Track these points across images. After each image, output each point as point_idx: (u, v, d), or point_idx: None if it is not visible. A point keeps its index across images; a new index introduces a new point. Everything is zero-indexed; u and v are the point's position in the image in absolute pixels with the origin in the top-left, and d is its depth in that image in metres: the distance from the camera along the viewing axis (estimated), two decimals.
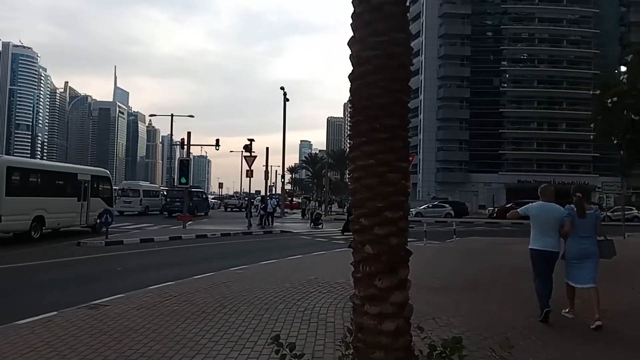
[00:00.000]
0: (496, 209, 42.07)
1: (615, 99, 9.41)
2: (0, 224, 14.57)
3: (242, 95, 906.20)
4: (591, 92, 70.78)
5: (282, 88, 37.09)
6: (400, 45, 3.74)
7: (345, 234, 20.75)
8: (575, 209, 5.97)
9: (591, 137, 70.30)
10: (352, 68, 3.93)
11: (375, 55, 3.65)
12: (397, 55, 3.72)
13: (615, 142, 9.82)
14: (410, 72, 3.92)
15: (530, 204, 6.59)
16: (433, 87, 71.03)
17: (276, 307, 6.77)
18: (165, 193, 38.85)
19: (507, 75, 72.81)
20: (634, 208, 43.87)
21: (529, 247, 6.28)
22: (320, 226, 25.22)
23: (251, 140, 22.70)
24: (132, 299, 7.32)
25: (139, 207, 34.27)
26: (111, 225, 16.38)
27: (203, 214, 36.85)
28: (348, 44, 3.79)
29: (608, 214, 41.76)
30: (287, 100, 37.97)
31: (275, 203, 28.80)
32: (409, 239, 16.84)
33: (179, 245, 16.28)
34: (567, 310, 6.30)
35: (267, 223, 24.56)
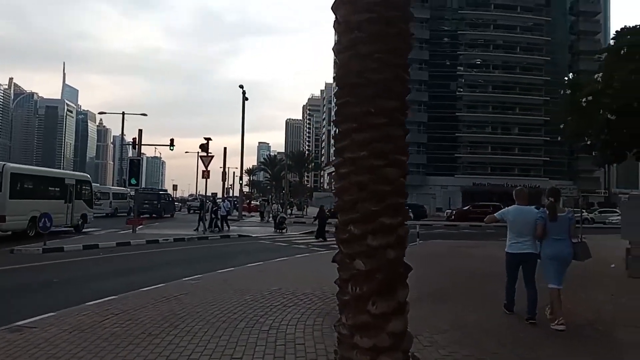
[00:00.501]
0: (454, 212, 42.41)
1: (590, 98, 9.10)
2: (4, 224, 16.53)
3: (198, 95, 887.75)
4: (542, 97, 73.91)
5: (241, 86, 35.91)
6: (398, 8, 2.95)
7: (319, 239, 20.10)
8: (547, 213, 6.03)
9: (542, 141, 73.46)
10: (337, 37, 3.12)
11: (368, 20, 2.86)
12: (395, 21, 2.93)
13: (588, 142, 9.53)
14: (410, 44, 3.14)
15: (506, 208, 6.77)
16: None
17: (236, 326, 5.88)
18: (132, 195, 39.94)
19: (463, 80, 74.34)
20: (584, 210, 45.34)
21: (506, 250, 6.41)
22: (284, 230, 24.17)
23: (208, 139, 21.48)
24: (65, 318, 6.23)
25: (109, 209, 35.79)
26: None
27: (169, 215, 39.22)
28: (332, 8, 2.97)
29: None
30: (247, 99, 36.80)
31: (229, 205, 27.18)
32: None
33: (126, 252, 14.96)
34: (555, 322, 5.91)
35: (219, 227, 22.91)
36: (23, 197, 17.65)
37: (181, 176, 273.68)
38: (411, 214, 39.24)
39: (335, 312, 6.65)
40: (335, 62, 3.07)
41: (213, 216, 22.77)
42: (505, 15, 74.12)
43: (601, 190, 79.81)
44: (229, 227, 24.25)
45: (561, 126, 11.84)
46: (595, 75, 9.64)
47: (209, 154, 21.41)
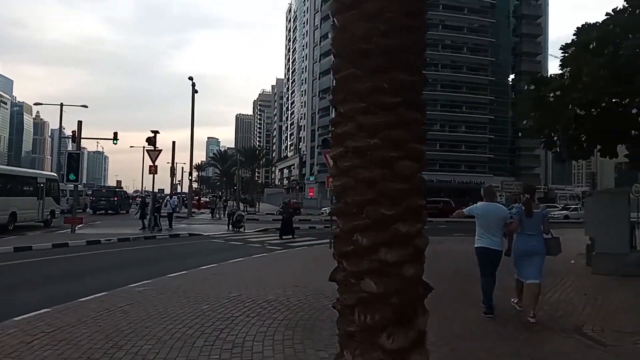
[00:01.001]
0: None
1: (558, 93, 8.93)
2: None
3: (144, 89, 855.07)
4: (487, 96, 76.40)
5: (190, 78, 34.33)
6: None
7: (284, 237, 19.07)
8: (523, 208, 6.20)
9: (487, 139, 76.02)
10: None
11: None
12: None
13: (555, 138, 9.38)
14: (426, 5, 2.50)
15: (475, 204, 6.85)
16: None
17: (193, 344, 5.09)
18: (91, 192, 44.36)
19: None
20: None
21: (475, 246, 6.48)
22: (242, 229, 22.69)
23: (155, 132, 20.09)
24: None
25: (66, 206, 34.85)
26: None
27: (125, 211, 40.13)
28: None
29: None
30: (196, 91, 35.31)
31: (177, 202, 25.48)
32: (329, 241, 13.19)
33: (64, 255, 13.59)
34: (515, 300, 6.74)
35: (159, 226, 21.19)
36: (4, 194, 19.54)
37: (125, 172, 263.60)
38: None
39: (307, 324, 6.09)
40: (333, 25, 2.39)
41: (156, 214, 21.28)
42: (452, 16, 75.89)
43: (541, 186, 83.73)
44: (171, 225, 22.84)
45: (524, 122, 11.68)
46: (563, 70, 9.51)
47: (157, 149, 20.09)
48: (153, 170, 20.04)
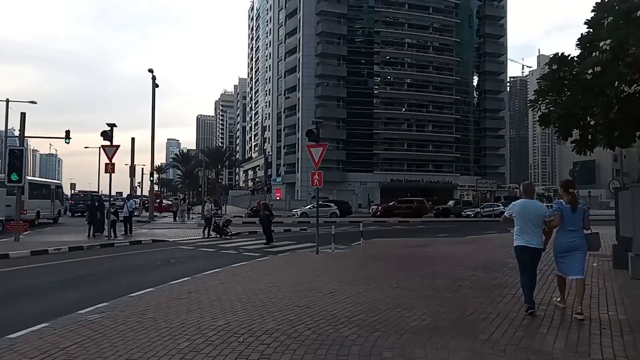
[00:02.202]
0: (380, 208, 41.59)
1: (598, 69, 7.62)
2: (27, 215, 23.55)
3: (99, 89, 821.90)
4: (453, 96, 76.58)
5: (150, 70, 31.76)
6: None
7: (213, 235, 17.22)
8: (565, 204, 6.13)
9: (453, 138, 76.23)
10: None
11: None
12: None
13: (591, 122, 8.09)
14: None
15: (512, 203, 6.64)
16: (311, 85, 69.97)
17: None
18: (70, 196, 47.32)
19: (380, 78, 74.76)
20: (500, 204, 46.89)
21: (514, 244, 6.33)
22: (229, 235, 20.03)
23: (112, 125, 17.79)
24: None
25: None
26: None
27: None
28: None
29: (478, 209, 43.96)
30: (157, 85, 32.82)
31: (134, 205, 22.68)
32: (311, 245, 10.98)
33: (1, 269, 11.30)
34: (558, 298, 6.60)
35: (114, 233, 18.92)
36: (32, 198, 25.67)
37: (81, 174, 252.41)
38: (337, 210, 38.00)
39: None
40: None
41: (114, 219, 18.94)
42: (418, 15, 75.75)
43: (506, 185, 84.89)
44: (130, 231, 20.58)
45: (535, 108, 10.34)
46: (601, 43, 8.24)
47: (113, 145, 17.80)
48: (110, 169, 17.69)
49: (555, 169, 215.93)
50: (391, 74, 75.47)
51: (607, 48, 7.68)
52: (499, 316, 6.04)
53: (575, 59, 9.62)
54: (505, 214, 6.59)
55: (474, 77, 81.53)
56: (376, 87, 74.58)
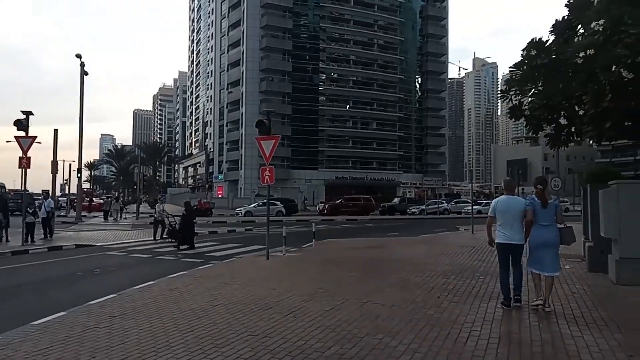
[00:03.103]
0: (327, 206, 40.60)
1: (591, 52, 6.81)
2: None
3: (21, 81, 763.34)
4: (397, 94, 77.21)
5: (78, 56, 28.79)
6: None
7: (182, 248, 15.18)
8: (537, 200, 6.21)
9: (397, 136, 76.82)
10: None
11: None
12: None
13: (580, 112, 7.31)
14: None
15: (494, 200, 6.73)
16: (255, 80, 67.91)
17: None
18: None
19: (325, 74, 73.94)
20: (444, 202, 47.35)
21: (496, 241, 6.41)
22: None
23: (27, 113, 15.35)
24: None
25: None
26: None
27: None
28: None
29: (423, 207, 44.10)
30: (86, 73, 29.85)
31: (52, 204, 19.52)
32: (259, 247, 10.67)
33: None
34: (535, 300, 6.31)
35: (30, 238, 16.59)
36: None
37: (2, 172, 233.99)
38: (283, 209, 36.59)
39: None
40: None
41: (30, 219, 16.47)
42: (363, 12, 75.64)
43: (447, 183, 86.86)
44: (51, 234, 18.18)
45: (507, 99, 9.54)
46: (592, 24, 7.46)
47: (29, 136, 15.42)
48: (24, 163, 15.27)
49: (489, 167, 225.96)
50: (336, 70, 74.83)
51: (600, 29, 6.89)
52: (503, 341, 4.96)
53: (553, 45, 8.87)
54: (489, 213, 6.62)
55: (417, 76, 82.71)
56: (321, 83, 73.74)
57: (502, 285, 6.48)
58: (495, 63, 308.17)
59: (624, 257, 7.75)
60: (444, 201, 47.56)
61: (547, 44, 8.77)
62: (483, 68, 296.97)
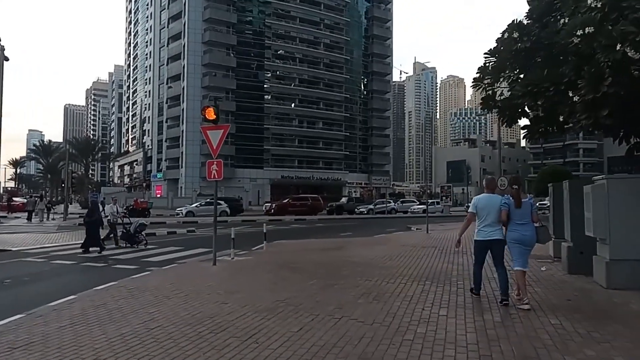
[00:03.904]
0: (274, 205, 39.18)
1: (590, 30, 6.04)
2: None
3: None
4: (343, 94, 76.98)
5: None
6: None
7: (124, 244, 13.35)
8: (512, 199, 6.31)
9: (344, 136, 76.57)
10: None
11: None
12: None
13: (579, 100, 6.56)
14: None
15: (475, 197, 6.80)
16: (197, 75, 65.18)
17: None
18: None
19: (271, 72, 72.27)
20: (391, 201, 47.31)
21: (475, 238, 6.60)
22: (144, 244, 15.00)
23: None
24: None
25: None
26: None
27: None
28: None
29: (371, 207, 43.74)
30: (7, 59, 26.70)
31: None
32: (204, 251, 12.18)
33: None
34: (519, 299, 6.29)
35: None
36: None
37: None
38: (227, 209, 34.80)
39: None
40: None
41: None
42: (309, 10, 74.83)
43: (391, 182, 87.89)
44: None
45: (479, 89, 8.76)
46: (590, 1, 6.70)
47: None
48: None
49: (429, 168, 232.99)
50: (282, 68, 73.45)
51: (596, 5, 6.15)
52: None
53: (535, 29, 8.14)
54: (469, 210, 6.71)
55: (362, 77, 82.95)
56: (267, 81, 72.08)
57: (474, 276, 6.75)
58: (434, 68, 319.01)
59: (616, 258, 7.09)
60: (391, 201, 47.49)
61: (528, 27, 8.04)
62: (423, 72, 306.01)
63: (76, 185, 53.38)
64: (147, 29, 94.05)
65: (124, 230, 15.44)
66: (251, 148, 67.43)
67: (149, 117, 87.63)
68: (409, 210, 45.45)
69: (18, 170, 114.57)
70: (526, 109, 8.49)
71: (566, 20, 7.35)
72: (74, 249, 14.45)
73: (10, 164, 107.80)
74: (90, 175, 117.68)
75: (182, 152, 66.30)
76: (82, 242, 14.36)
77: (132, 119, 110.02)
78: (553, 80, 7.19)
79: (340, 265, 10.15)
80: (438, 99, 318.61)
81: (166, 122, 73.50)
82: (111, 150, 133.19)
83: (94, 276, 9.85)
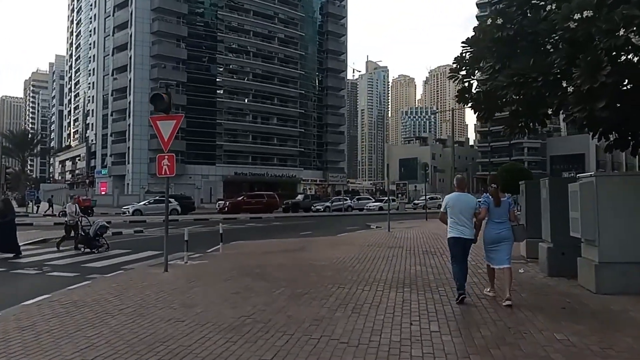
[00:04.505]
0: (228, 203, 37.76)
1: (588, 13, 5.53)
2: None
3: None
4: (298, 90, 76.06)
5: None
6: None
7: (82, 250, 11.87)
8: (491, 198, 6.43)
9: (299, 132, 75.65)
10: None
11: None
12: None
13: (572, 92, 6.06)
14: None
15: (446, 196, 6.78)
16: (145, 66, 62.28)
17: None
18: None
19: (223, 65, 70.21)
20: (347, 199, 46.93)
21: (448, 236, 6.54)
22: (104, 248, 13.55)
23: None
24: None
25: None
26: None
27: None
28: None
29: (328, 204, 43.19)
30: None
31: None
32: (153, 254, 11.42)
33: None
34: (488, 289, 6.84)
35: None
36: None
37: None
38: (178, 207, 33.14)
39: None
40: None
41: None
42: (263, 3, 73.34)
43: (345, 179, 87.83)
44: None
45: (461, 80, 8.22)
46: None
47: None
48: None
49: (381, 165, 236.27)
50: (235, 62, 71.57)
51: None
52: None
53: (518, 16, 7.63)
54: (441, 209, 6.65)
55: (317, 73, 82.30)
56: (219, 74, 69.98)
57: (456, 279, 6.53)
58: (386, 67, 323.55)
59: (606, 261, 6.67)
60: (348, 198, 47.14)
61: (511, 14, 7.52)
62: (375, 71, 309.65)
63: (11, 181, 49.51)
64: (91, 17, 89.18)
65: (82, 233, 13.74)
66: (203, 144, 65.28)
67: (92, 110, 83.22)
68: (365, 207, 45.23)
69: None
70: (506, 101, 7.97)
71: (553, 7, 6.82)
72: (3, 254, 12.82)
73: None
74: (29, 171, 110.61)
75: (128, 147, 63.24)
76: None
77: (74, 112, 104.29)
78: (541, 70, 6.67)
79: (307, 270, 9.32)
80: (390, 97, 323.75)
81: (111, 115, 69.97)
82: (51, 145, 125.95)
83: (22, 287, 8.53)
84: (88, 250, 13.36)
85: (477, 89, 8.78)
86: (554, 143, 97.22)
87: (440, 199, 52.83)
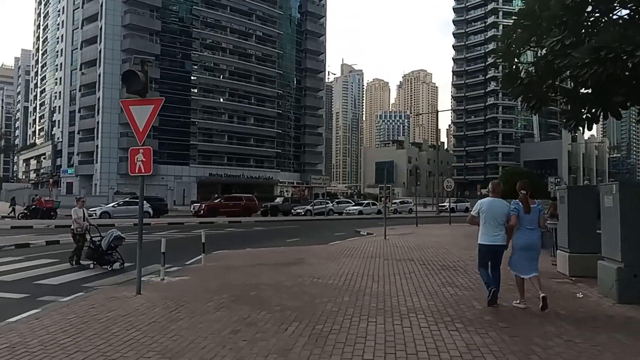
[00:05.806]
0: (204, 206, 35.54)
1: None
2: None
3: None
4: (275, 90, 74.09)
5: None
6: None
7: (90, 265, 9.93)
8: (521, 204, 6.33)
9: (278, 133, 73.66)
10: None
11: None
12: None
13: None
14: None
15: (479, 201, 6.64)
16: (116, 61, 59.15)
17: None
18: None
19: (198, 63, 67.62)
20: (328, 202, 45.28)
21: (478, 242, 6.47)
22: (120, 264, 10.99)
23: None
24: None
25: None
26: None
27: None
28: None
29: (309, 207, 41.47)
30: None
31: None
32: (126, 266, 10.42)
33: None
34: (518, 301, 6.46)
35: None
36: None
37: None
38: (150, 209, 30.77)
39: None
40: None
41: None
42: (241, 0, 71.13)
43: (323, 181, 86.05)
44: None
45: (512, 64, 6.67)
46: None
47: None
48: None
49: (355, 168, 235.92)
50: (211, 59, 69.11)
51: None
52: None
53: None
54: (472, 213, 6.58)
55: (295, 73, 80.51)
56: (194, 71, 67.38)
57: (483, 277, 6.50)
58: (361, 70, 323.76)
59: (624, 276, 5.18)
60: (328, 201, 45.51)
61: None
62: (350, 74, 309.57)
63: None
64: (59, 10, 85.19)
65: (92, 246, 11.28)
66: (176, 143, 62.60)
67: (59, 106, 79.29)
68: (344, 211, 43.68)
69: None
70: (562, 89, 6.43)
71: None
72: None
73: None
74: None
75: (97, 146, 59.99)
76: None
77: (40, 109, 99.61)
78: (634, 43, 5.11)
79: (314, 293, 7.57)
80: (364, 101, 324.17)
81: (79, 112, 66.52)
82: (15, 142, 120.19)
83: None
84: (98, 266, 10.99)
85: (523, 74, 7.23)
86: (528, 148, 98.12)
87: (411, 203, 51.47)
